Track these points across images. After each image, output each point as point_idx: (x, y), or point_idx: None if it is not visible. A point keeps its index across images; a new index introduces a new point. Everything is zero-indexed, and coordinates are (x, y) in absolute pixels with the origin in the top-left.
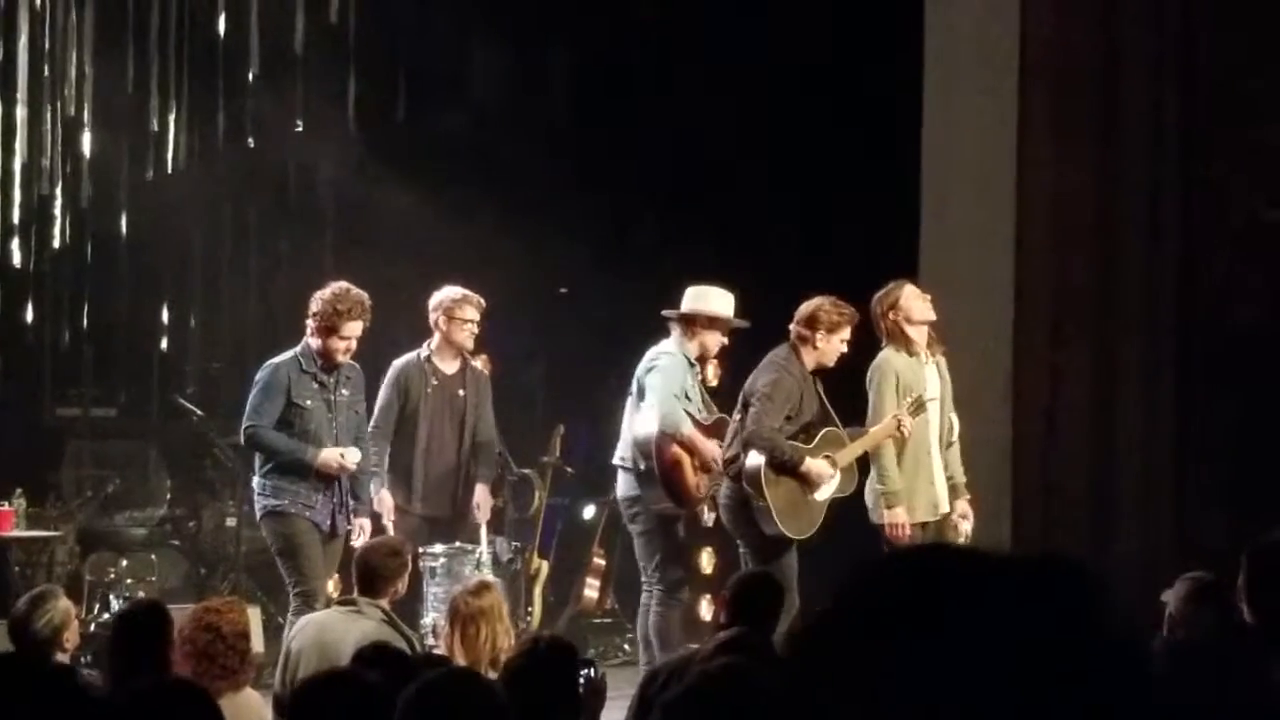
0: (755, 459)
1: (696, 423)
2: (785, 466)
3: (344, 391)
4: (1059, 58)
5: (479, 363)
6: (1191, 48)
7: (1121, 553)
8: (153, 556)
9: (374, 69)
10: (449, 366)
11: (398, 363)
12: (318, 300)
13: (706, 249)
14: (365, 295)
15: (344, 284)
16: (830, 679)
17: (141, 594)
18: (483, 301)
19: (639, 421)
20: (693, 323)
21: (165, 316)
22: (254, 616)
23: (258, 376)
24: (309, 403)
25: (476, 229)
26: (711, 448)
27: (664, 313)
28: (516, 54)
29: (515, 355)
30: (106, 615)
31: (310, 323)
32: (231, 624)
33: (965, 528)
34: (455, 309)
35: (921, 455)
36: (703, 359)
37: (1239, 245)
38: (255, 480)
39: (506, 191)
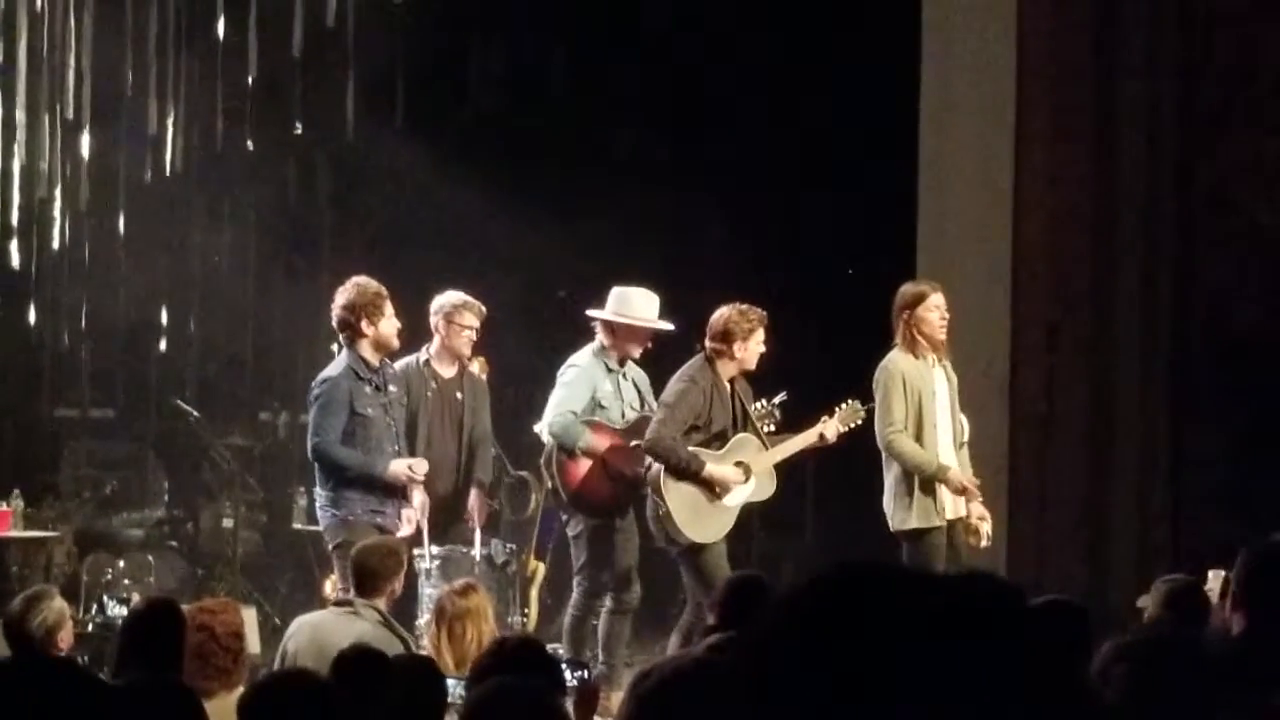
0: (656, 466)
1: (607, 429)
2: (685, 473)
3: (391, 389)
4: (1056, 57)
5: (476, 366)
6: (1189, 49)
7: (1117, 557)
8: (150, 557)
9: (372, 72)
10: (447, 370)
11: (399, 365)
12: (348, 299)
13: (699, 253)
14: None
15: (355, 278)
16: (759, 698)
17: (138, 595)
18: (483, 309)
19: (546, 441)
20: (613, 327)
21: (164, 318)
22: (250, 617)
23: (315, 393)
24: (370, 411)
25: (474, 231)
26: (618, 454)
27: (588, 313)
28: (513, 56)
29: (513, 357)
30: (103, 616)
31: (352, 326)
32: (225, 624)
33: (985, 529)
34: (455, 315)
35: (937, 455)
36: (624, 361)
37: (1236, 248)
38: (320, 492)
39: (505, 194)
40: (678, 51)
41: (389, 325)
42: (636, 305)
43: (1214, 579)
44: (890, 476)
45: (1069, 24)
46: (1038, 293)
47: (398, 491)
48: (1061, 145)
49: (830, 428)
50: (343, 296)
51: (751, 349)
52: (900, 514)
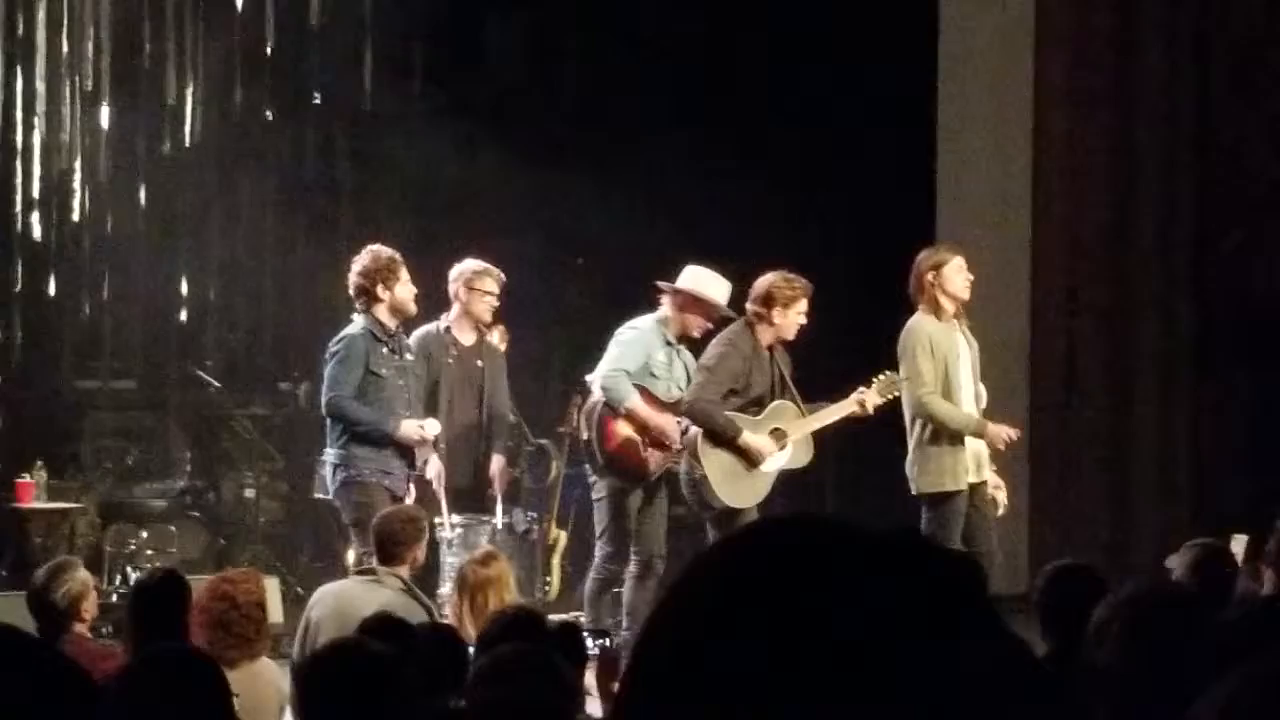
0: (695, 429)
1: (654, 399)
2: (721, 438)
3: (408, 356)
4: (1075, 25)
5: (496, 335)
6: (1207, 16)
7: (1139, 521)
8: (172, 528)
9: (390, 40)
10: (467, 338)
11: (416, 334)
12: (364, 266)
13: (717, 222)
14: None
15: (371, 245)
16: (678, 660)
17: (161, 564)
18: (502, 275)
19: (590, 394)
20: (679, 300)
21: (184, 289)
22: (272, 587)
23: (333, 349)
24: (385, 371)
25: (493, 199)
26: (662, 422)
27: (657, 284)
28: (533, 22)
29: (532, 324)
30: (126, 586)
31: (368, 292)
32: (247, 594)
33: (1001, 497)
34: (475, 281)
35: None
36: (683, 339)
37: (1255, 213)
38: (330, 451)
39: (522, 162)
40: (694, 17)
41: (404, 290)
42: (709, 285)
43: (1237, 543)
44: (914, 439)
45: None
46: (1057, 258)
47: (407, 454)
48: (1080, 111)
49: (869, 398)
50: (358, 263)
51: (791, 318)
52: (924, 477)
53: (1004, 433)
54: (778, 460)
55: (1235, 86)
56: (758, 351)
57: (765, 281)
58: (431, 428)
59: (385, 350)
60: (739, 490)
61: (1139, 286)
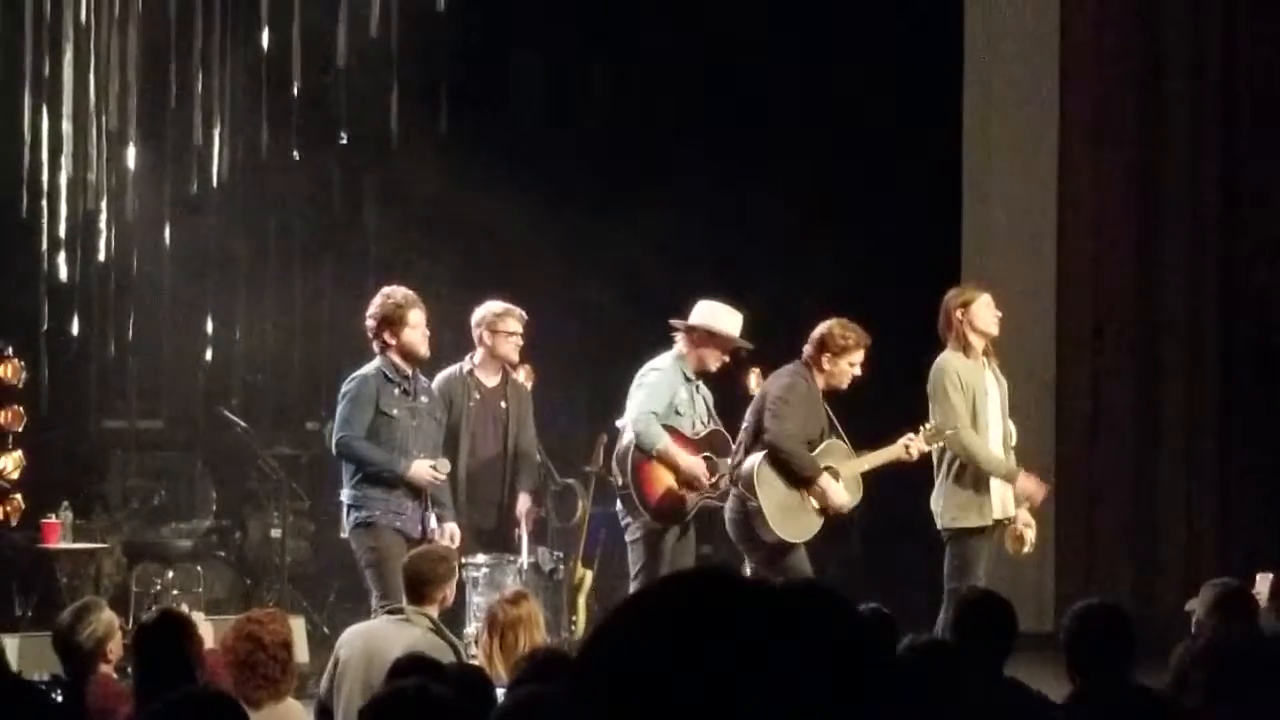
0: (751, 460)
1: (682, 437)
2: (785, 469)
3: (423, 399)
4: (1099, 58)
5: (522, 374)
6: (1232, 49)
7: (1164, 559)
8: (198, 568)
9: (416, 80)
10: (491, 379)
11: (440, 377)
12: (374, 310)
13: (746, 259)
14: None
15: (385, 288)
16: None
17: (186, 606)
18: (524, 315)
19: (621, 437)
20: (694, 335)
21: (210, 328)
22: (298, 627)
23: (345, 389)
24: (396, 412)
25: (522, 238)
26: (693, 464)
27: (671, 322)
28: (554, 62)
29: (559, 364)
30: None
31: (379, 336)
32: (273, 634)
33: (1030, 535)
34: (498, 322)
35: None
36: (701, 374)
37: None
38: (345, 492)
39: (552, 201)
40: (715, 58)
41: (413, 335)
42: (722, 319)
43: (1261, 581)
44: (941, 474)
45: (1113, 19)
46: (1083, 295)
47: (420, 496)
48: (1106, 147)
49: (916, 444)
50: (371, 308)
51: (843, 367)
52: (951, 512)
53: (1032, 487)
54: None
55: (1260, 118)
56: (815, 392)
57: (823, 327)
58: (443, 467)
59: (397, 391)
60: (795, 524)
61: (1165, 322)
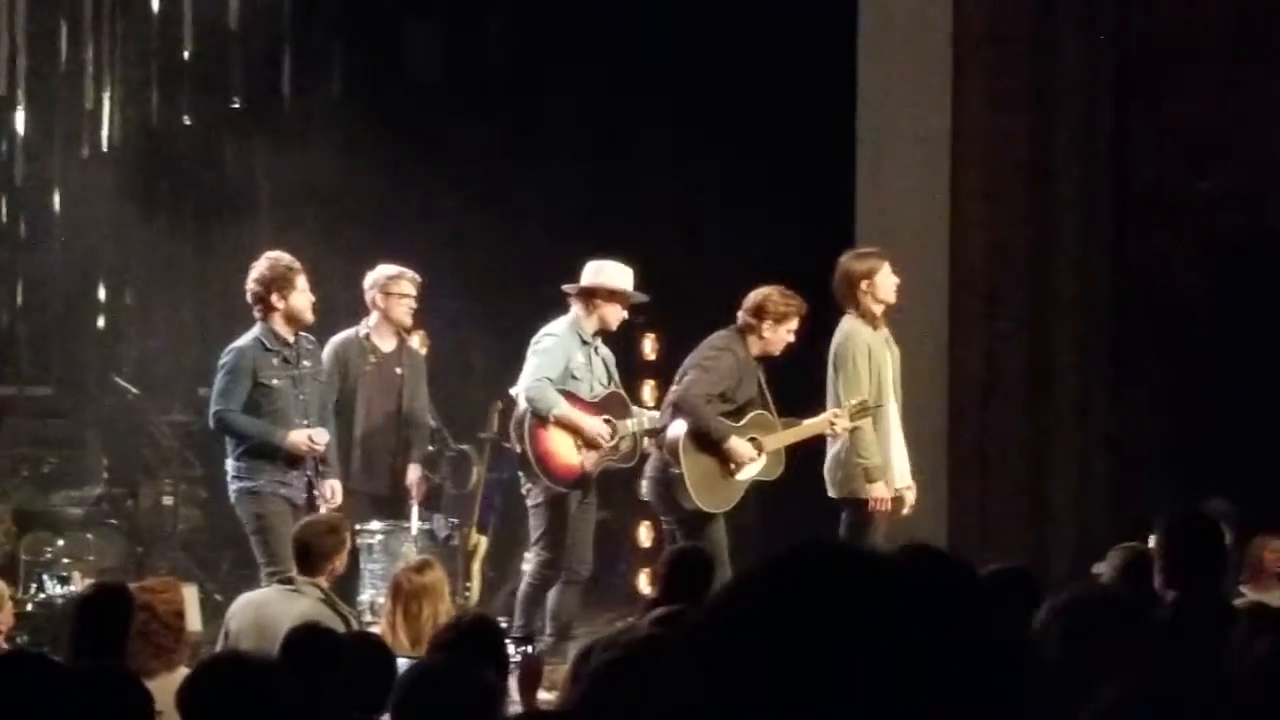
0: (677, 428)
1: (580, 400)
2: (707, 439)
3: (305, 363)
4: (993, 27)
5: (416, 340)
6: (1125, 18)
7: (1058, 521)
8: (90, 536)
9: (310, 44)
10: (387, 344)
11: (335, 340)
12: (261, 274)
13: (640, 223)
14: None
15: (269, 252)
16: (715, 678)
17: (78, 574)
18: (418, 277)
19: (516, 406)
20: (592, 297)
21: (102, 294)
22: (191, 595)
23: (222, 361)
24: (275, 381)
25: (416, 204)
26: (593, 424)
27: (564, 287)
28: (450, 23)
29: (452, 328)
30: (43, 595)
31: (263, 300)
32: (167, 603)
33: (910, 497)
34: (391, 285)
35: (890, 427)
36: (602, 333)
37: (1171, 216)
38: (229, 462)
39: (447, 166)
40: (615, 21)
41: (301, 299)
42: (614, 275)
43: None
44: (838, 442)
45: None
46: (976, 260)
47: (302, 463)
48: (999, 115)
49: (840, 421)
50: (254, 271)
51: (781, 334)
52: (848, 482)
53: (878, 497)
54: (752, 469)
55: (1152, 90)
56: (748, 360)
57: (760, 294)
58: (320, 437)
59: (276, 360)
60: (714, 494)
61: (1058, 290)
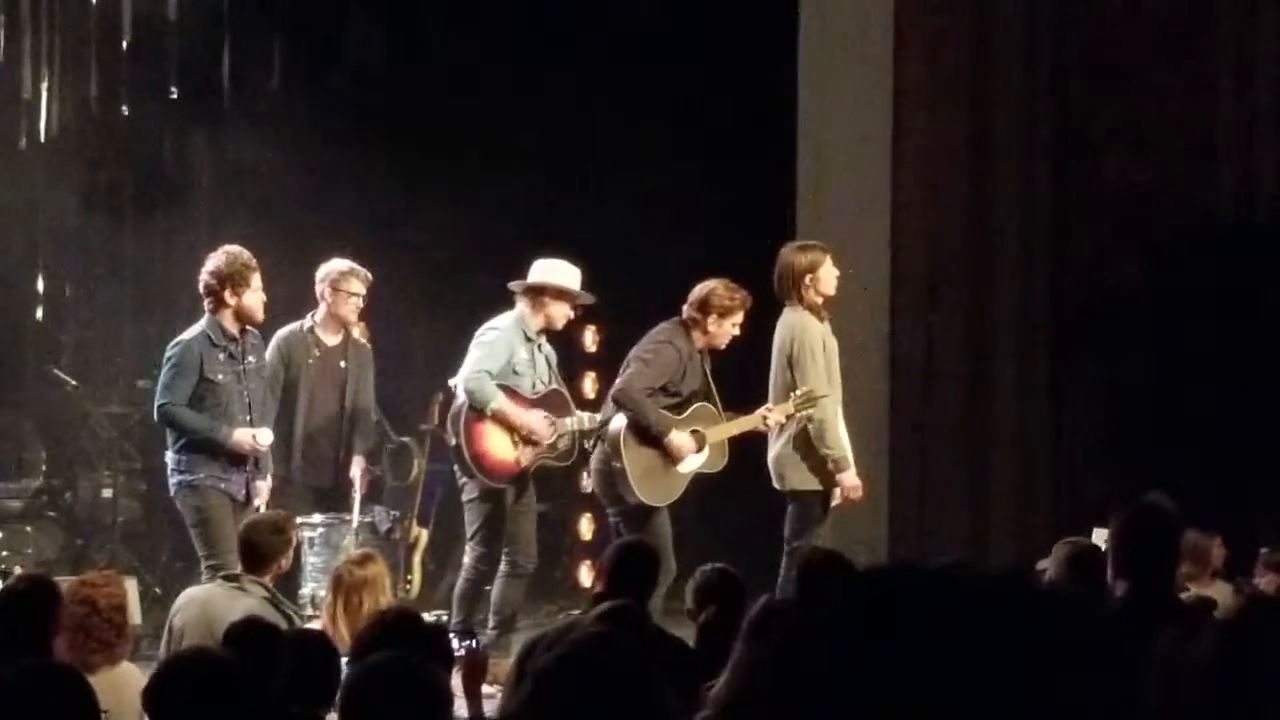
0: (619, 421)
1: (521, 397)
2: (648, 433)
3: (250, 359)
4: (933, 13)
5: (357, 331)
6: (1067, 5)
7: (999, 512)
8: (29, 528)
9: (249, 34)
10: (332, 338)
11: (280, 333)
12: (217, 267)
13: (583, 215)
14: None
15: (228, 246)
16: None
17: (19, 568)
18: (369, 275)
19: (455, 398)
20: (540, 294)
21: (40, 286)
22: (131, 588)
23: (168, 354)
24: (220, 377)
25: (357, 195)
26: (530, 420)
27: (510, 285)
28: (391, 13)
29: (393, 321)
30: None
31: (216, 294)
32: (108, 597)
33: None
34: (341, 281)
35: (838, 418)
36: (547, 331)
37: (1112, 208)
38: (170, 455)
39: (387, 156)
40: (556, 16)
41: (253, 298)
42: (563, 275)
43: (1098, 536)
44: (786, 435)
45: None
46: (916, 250)
47: (243, 461)
48: (939, 104)
49: (773, 415)
50: (211, 263)
51: (726, 328)
52: (796, 475)
53: (852, 483)
54: (695, 461)
55: (1091, 85)
56: (691, 353)
57: (705, 288)
58: (264, 438)
59: (222, 356)
60: (656, 487)
61: (998, 282)
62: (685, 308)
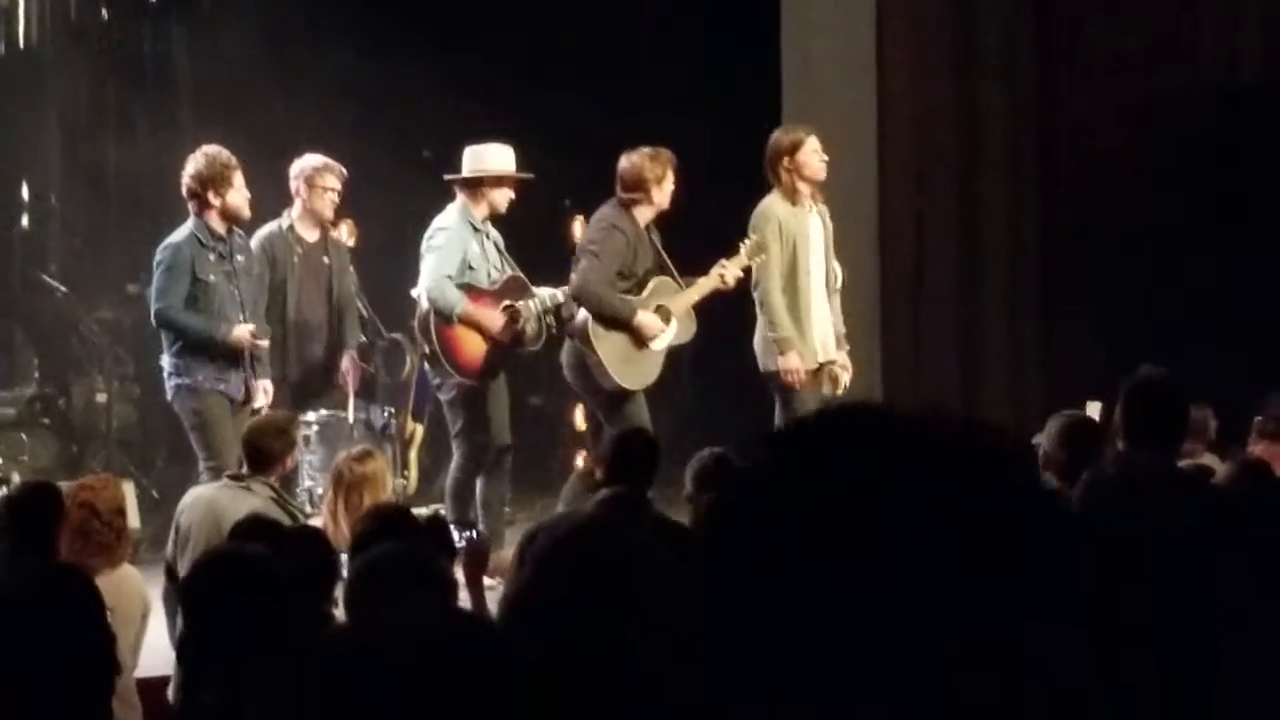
0: (583, 315)
1: (482, 292)
2: (614, 321)
3: (239, 258)
4: None
5: (344, 230)
6: None
7: (992, 392)
8: (23, 436)
9: None
10: (311, 235)
11: (260, 234)
12: (198, 169)
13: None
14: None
15: (206, 147)
16: (758, 551)
17: (16, 475)
18: (344, 171)
19: (419, 306)
20: (478, 184)
21: (25, 193)
22: (128, 492)
23: (159, 258)
24: (212, 277)
25: (341, 95)
26: (495, 318)
27: (446, 177)
28: None
29: (382, 218)
30: None
31: (199, 196)
32: (107, 501)
33: (844, 379)
34: (316, 177)
35: (810, 301)
36: (493, 218)
37: (1096, 80)
38: (166, 359)
39: (372, 56)
40: None
41: (237, 196)
42: (494, 158)
43: (1092, 409)
44: (763, 318)
45: None
46: (904, 134)
47: (240, 361)
48: None
49: (729, 271)
50: (191, 165)
51: (665, 191)
52: (773, 356)
53: (788, 367)
54: (666, 338)
55: None
56: (638, 231)
57: (633, 166)
58: (263, 334)
59: (212, 256)
60: (634, 371)
61: (986, 164)
62: (620, 191)
